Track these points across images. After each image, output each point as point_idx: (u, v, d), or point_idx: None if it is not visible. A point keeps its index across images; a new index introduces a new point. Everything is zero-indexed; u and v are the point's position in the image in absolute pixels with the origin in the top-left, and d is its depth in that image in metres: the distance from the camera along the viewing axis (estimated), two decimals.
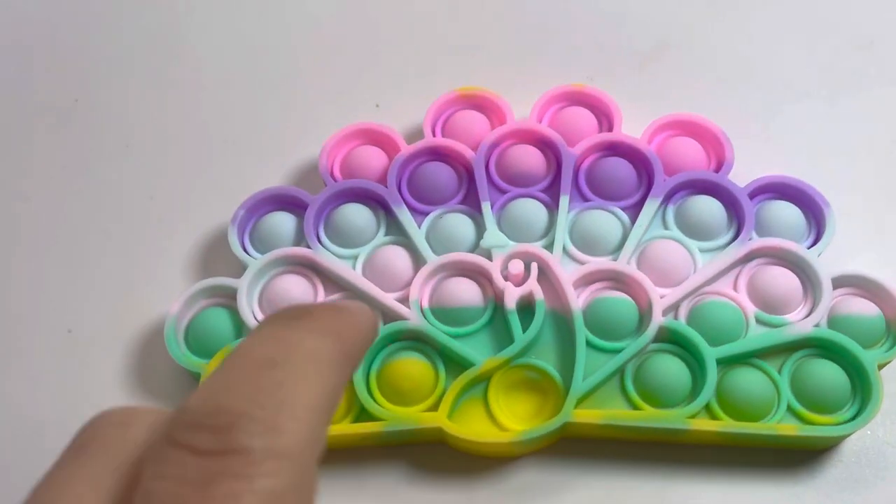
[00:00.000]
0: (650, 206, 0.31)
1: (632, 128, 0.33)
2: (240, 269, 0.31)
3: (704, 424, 0.27)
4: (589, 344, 0.29)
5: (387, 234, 0.32)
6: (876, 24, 0.38)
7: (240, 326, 0.30)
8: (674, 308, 0.30)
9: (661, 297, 0.29)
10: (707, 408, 0.28)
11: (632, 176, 0.32)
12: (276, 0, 0.41)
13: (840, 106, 0.36)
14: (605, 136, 0.33)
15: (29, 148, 0.37)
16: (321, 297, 0.30)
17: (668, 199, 0.32)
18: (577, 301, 0.29)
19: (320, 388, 0.15)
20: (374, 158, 0.33)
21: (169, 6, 0.41)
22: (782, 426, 0.27)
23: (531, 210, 0.32)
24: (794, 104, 0.36)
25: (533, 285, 0.30)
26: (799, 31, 0.38)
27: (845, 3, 0.39)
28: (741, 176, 0.32)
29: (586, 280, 0.30)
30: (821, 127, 0.35)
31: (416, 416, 0.28)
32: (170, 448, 0.14)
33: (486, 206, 0.32)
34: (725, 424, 0.27)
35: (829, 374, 0.28)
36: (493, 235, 0.31)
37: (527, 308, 0.30)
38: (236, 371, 0.15)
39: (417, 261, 0.31)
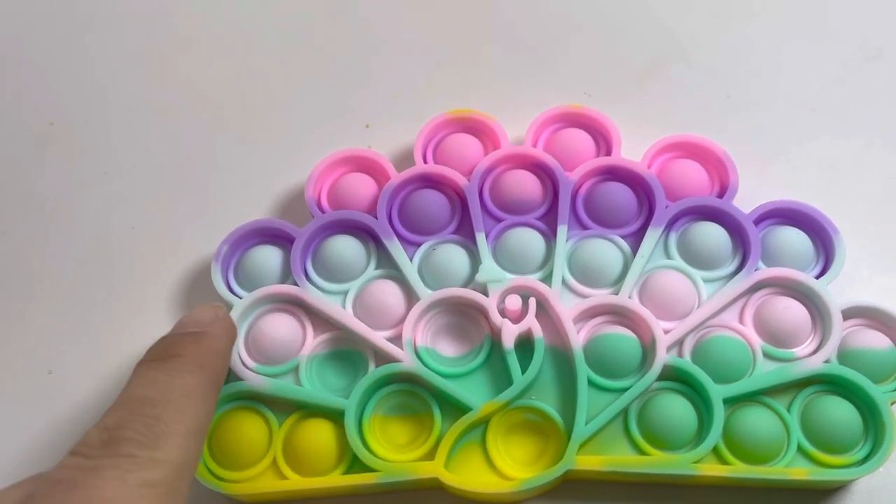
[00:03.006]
0: (652, 235, 0.30)
1: (631, 150, 0.32)
2: (225, 306, 0.30)
3: (712, 469, 0.26)
4: (591, 383, 0.28)
5: (377, 267, 0.31)
6: (884, 32, 0.37)
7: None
8: (678, 343, 0.28)
9: (666, 333, 0.28)
10: (715, 450, 0.27)
11: (632, 202, 0.31)
12: (261, 19, 0.39)
13: (850, 123, 0.34)
14: (604, 161, 0.31)
15: (1, 175, 0.35)
16: (310, 336, 0.29)
17: (670, 226, 0.30)
18: (578, 338, 0.28)
19: (192, 417, 0.20)
20: (363, 186, 0.32)
21: (149, 27, 0.39)
22: (793, 470, 0.26)
23: (527, 240, 0.30)
24: (801, 123, 0.35)
25: (531, 322, 0.28)
26: (805, 44, 0.37)
27: (852, 13, 0.37)
28: (746, 200, 0.30)
29: (587, 315, 0.29)
30: (830, 147, 0.34)
31: (411, 467, 0.26)
32: (68, 455, 0.19)
33: (480, 237, 0.30)
34: (734, 469, 0.26)
35: (840, 411, 0.27)
36: (488, 270, 0.29)
37: (525, 343, 0.29)
38: (124, 411, 0.20)
39: (410, 295, 0.30)
